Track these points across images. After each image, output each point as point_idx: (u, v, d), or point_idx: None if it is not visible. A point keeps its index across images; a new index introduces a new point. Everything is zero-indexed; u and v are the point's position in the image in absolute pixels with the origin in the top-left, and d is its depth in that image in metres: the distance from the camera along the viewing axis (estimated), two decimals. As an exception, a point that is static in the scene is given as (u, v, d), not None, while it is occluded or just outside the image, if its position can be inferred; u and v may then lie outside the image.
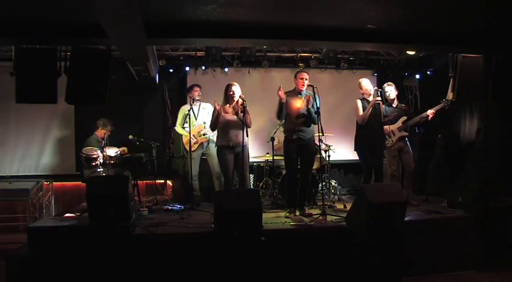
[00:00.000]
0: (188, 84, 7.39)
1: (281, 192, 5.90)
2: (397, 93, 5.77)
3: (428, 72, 7.35)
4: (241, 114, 5.01)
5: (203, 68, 7.29)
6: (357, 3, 4.03)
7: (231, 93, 5.21)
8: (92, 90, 4.62)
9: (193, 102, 5.95)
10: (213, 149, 5.81)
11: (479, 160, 6.08)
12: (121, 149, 6.02)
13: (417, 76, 7.44)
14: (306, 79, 5.04)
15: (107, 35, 4.11)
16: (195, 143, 5.81)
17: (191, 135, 5.78)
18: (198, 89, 6.10)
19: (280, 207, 5.56)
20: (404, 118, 5.66)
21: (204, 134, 5.86)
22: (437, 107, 5.53)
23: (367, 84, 5.48)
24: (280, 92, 4.96)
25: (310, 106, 4.99)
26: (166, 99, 7.42)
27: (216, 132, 5.46)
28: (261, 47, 6.84)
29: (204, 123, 5.93)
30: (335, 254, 4.28)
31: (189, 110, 5.86)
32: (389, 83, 5.79)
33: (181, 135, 6.05)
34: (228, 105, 5.26)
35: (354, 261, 4.23)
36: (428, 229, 4.58)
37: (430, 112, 5.52)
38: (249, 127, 5.15)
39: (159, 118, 7.43)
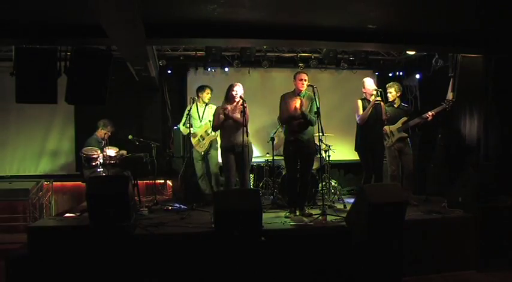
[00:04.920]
0: (188, 84, 7.43)
1: (281, 192, 5.90)
2: (400, 93, 5.76)
3: (417, 76, 7.42)
4: (241, 114, 4.99)
5: (203, 68, 7.28)
6: (357, 3, 4.03)
7: (234, 93, 5.18)
8: (92, 90, 4.62)
9: (202, 104, 6.00)
10: (213, 149, 5.87)
11: (479, 160, 6.08)
12: (121, 152, 6.02)
13: (417, 76, 7.46)
14: (305, 80, 5.03)
15: (107, 35, 4.12)
16: (204, 143, 5.82)
17: (199, 136, 5.81)
18: (209, 91, 6.04)
19: (280, 207, 5.56)
20: (404, 119, 5.65)
21: (211, 132, 5.88)
22: (438, 109, 5.52)
23: (370, 84, 5.47)
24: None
25: (303, 110, 4.97)
26: (166, 99, 7.43)
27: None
28: (261, 47, 6.84)
29: (210, 121, 5.92)
30: (335, 254, 4.27)
31: (189, 110, 5.87)
32: (390, 84, 5.78)
33: (190, 136, 6.03)
34: (228, 105, 5.24)
35: (354, 261, 4.23)
36: (428, 229, 4.58)
37: (430, 113, 5.51)
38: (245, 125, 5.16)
39: (159, 118, 7.44)
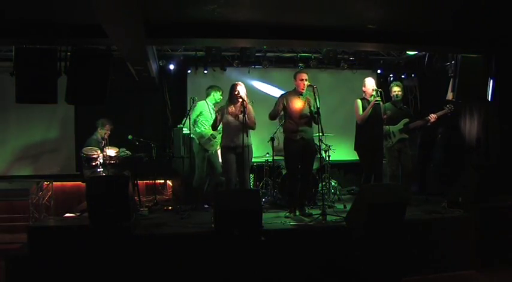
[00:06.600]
0: (188, 84, 7.43)
1: (281, 192, 5.90)
2: (403, 94, 5.77)
3: (412, 75, 7.46)
4: (242, 114, 4.99)
5: (203, 68, 7.28)
6: (357, 3, 4.04)
7: (236, 93, 5.16)
8: (92, 90, 4.63)
9: (213, 103, 5.92)
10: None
11: (479, 160, 6.08)
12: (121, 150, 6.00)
13: (416, 76, 7.48)
14: (306, 79, 5.03)
15: (107, 35, 4.12)
16: (216, 141, 5.80)
17: (210, 134, 5.78)
18: (222, 93, 5.95)
19: (280, 207, 5.56)
20: (406, 120, 5.65)
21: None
22: (441, 113, 5.52)
23: (370, 84, 5.46)
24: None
25: (311, 108, 5.00)
26: (166, 99, 7.43)
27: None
28: (261, 47, 6.84)
29: None
30: (335, 254, 4.27)
31: (189, 110, 5.84)
32: (397, 83, 5.80)
33: (198, 134, 5.93)
34: (231, 105, 5.23)
35: (354, 262, 4.23)
36: (428, 229, 4.58)
37: (432, 116, 5.51)
38: (252, 128, 5.15)
39: (159, 118, 7.43)
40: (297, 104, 5.04)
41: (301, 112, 5.03)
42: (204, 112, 5.85)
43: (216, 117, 5.34)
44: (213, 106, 5.91)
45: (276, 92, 5.38)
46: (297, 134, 5.04)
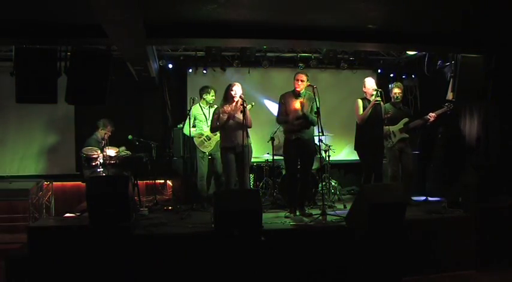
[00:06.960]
0: (188, 84, 7.43)
1: (281, 192, 5.90)
2: (403, 95, 5.77)
3: (412, 75, 7.47)
4: (241, 114, 4.99)
5: (203, 68, 7.28)
6: (357, 3, 4.03)
7: (233, 93, 5.17)
8: (92, 90, 4.62)
9: (206, 105, 5.91)
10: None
11: (479, 160, 6.08)
12: (121, 148, 6.00)
13: (412, 75, 7.48)
14: (302, 80, 5.02)
15: (107, 35, 4.12)
16: (210, 143, 5.80)
17: (204, 136, 5.77)
18: (214, 93, 5.95)
19: (280, 207, 5.56)
20: (406, 120, 5.65)
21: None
22: (440, 111, 5.54)
23: (370, 83, 5.46)
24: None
25: (304, 111, 4.98)
26: (166, 99, 7.43)
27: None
28: (261, 47, 6.84)
29: None
30: (335, 254, 4.27)
31: (189, 110, 5.85)
32: (398, 84, 5.80)
33: (195, 135, 5.90)
34: (227, 105, 5.22)
35: (353, 262, 4.23)
36: (428, 229, 4.58)
37: (432, 115, 5.52)
38: (250, 127, 5.13)
39: (159, 118, 7.44)
40: (294, 104, 5.03)
41: (297, 113, 5.02)
42: (198, 116, 5.88)
43: (213, 119, 5.33)
44: (206, 106, 5.92)
45: (276, 92, 5.35)
46: (293, 134, 5.04)
